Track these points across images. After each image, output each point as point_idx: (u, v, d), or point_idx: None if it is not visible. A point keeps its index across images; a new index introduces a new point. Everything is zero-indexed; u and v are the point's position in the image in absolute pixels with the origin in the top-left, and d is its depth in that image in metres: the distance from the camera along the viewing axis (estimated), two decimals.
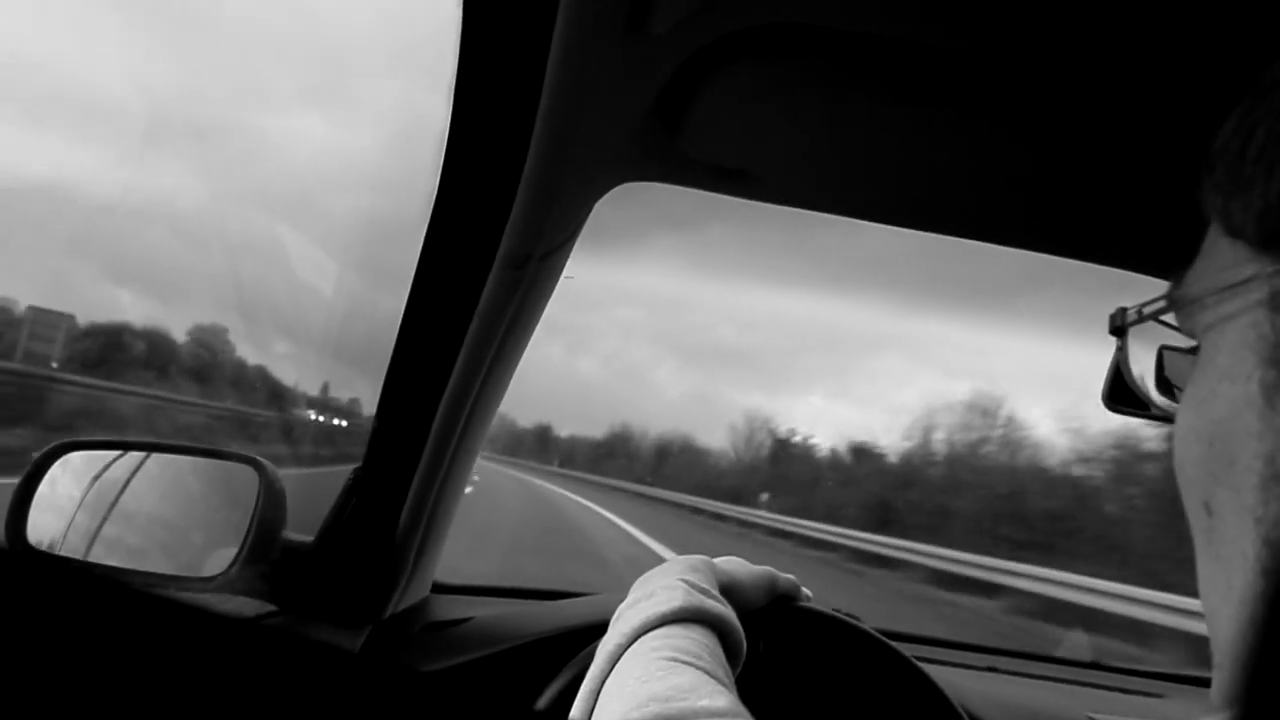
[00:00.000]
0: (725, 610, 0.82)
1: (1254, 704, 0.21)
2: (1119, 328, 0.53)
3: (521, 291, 1.05)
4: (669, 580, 0.83)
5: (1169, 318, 0.49)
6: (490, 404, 1.21)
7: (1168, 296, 0.48)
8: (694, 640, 0.73)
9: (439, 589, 1.48)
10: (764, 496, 28.29)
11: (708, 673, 0.67)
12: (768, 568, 1.02)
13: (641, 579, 0.88)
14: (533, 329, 1.17)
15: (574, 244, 1.09)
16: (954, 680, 1.18)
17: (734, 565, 0.98)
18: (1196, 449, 0.43)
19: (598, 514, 19.02)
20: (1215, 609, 0.41)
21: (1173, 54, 0.70)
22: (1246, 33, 0.65)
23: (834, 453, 38.68)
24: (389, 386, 1.11)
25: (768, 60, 0.79)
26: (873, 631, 1.09)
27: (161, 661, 0.99)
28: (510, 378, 1.22)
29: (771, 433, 45.93)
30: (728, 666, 0.75)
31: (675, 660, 0.68)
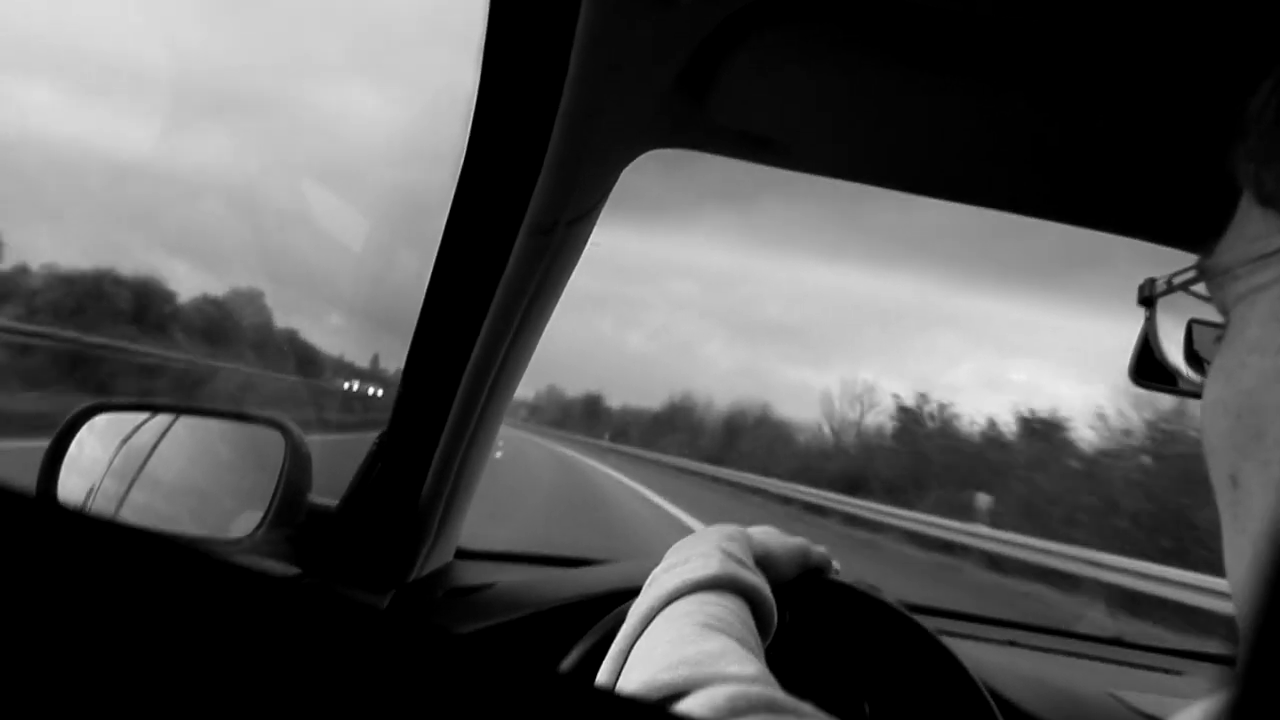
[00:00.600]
0: (759, 580, 0.82)
1: (1254, 678, 0.20)
2: (1147, 298, 0.52)
3: (548, 258, 1.05)
4: (706, 547, 0.84)
5: (1199, 289, 0.48)
6: (516, 370, 1.21)
7: (1198, 266, 0.47)
8: (726, 608, 0.74)
9: (463, 554, 1.49)
10: (983, 499, 17.80)
11: (738, 640, 0.68)
12: (801, 539, 1.03)
13: (678, 545, 0.89)
14: (559, 296, 1.17)
15: (601, 211, 1.08)
16: (975, 654, 1.18)
17: (769, 536, 0.98)
18: (1224, 422, 0.42)
19: (662, 510, 13.49)
20: (1240, 583, 0.41)
21: (1204, 22, 0.69)
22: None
23: (994, 427, 26.80)
24: (415, 352, 1.12)
25: (795, 27, 0.78)
26: (894, 604, 1.09)
27: (189, 618, 1.00)
28: (536, 344, 1.22)
29: (895, 400, 33.35)
30: (758, 636, 0.75)
31: (707, 626, 0.69)
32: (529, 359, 1.24)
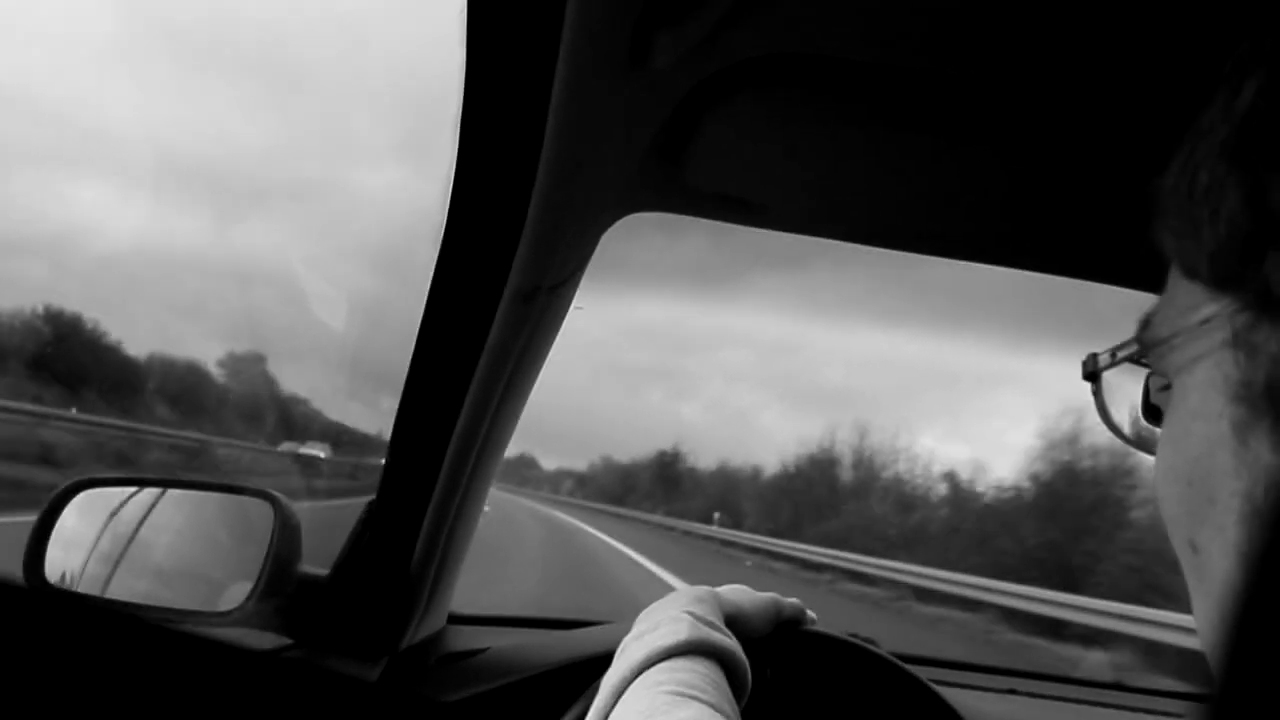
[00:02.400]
0: (730, 642, 0.81)
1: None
2: (1092, 373, 0.53)
3: (531, 324, 1.06)
4: (674, 612, 0.83)
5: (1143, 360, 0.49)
6: (503, 435, 1.22)
7: (1137, 339, 0.48)
8: (698, 673, 0.73)
9: (455, 620, 1.48)
10: None
11: (712, 706, 0.67)
12: (772, 594, 1.02)
13: (646, 611, 0.88)
14: (543, 360, 1.18)
15: (582, 275, 1.10)
16: (972, 704, 1.17)
17: (738, 594, 0.97)
18: (1176, 488, 0.43)
19: None
20: (1211, 644, 0.42)
21: (1173, 77, 0.70)
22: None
23: None
24: (402, 419, 1.12)
25: (768, 91, 0.80)
26: (887, 655, 1.08)
27: (178, 696, 0.99)
28: (522, 409, 1.22)
29: None
30: (733, 699, 0.75)
31: (679, 694, 0.69)
32: (516, 423, 1.24)
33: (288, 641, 1.22)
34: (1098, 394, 0.53)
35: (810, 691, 1.05)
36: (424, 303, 1.01)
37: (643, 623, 0.85)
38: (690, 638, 0.78)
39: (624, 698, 0.73)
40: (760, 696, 0.83)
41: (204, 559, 1.34)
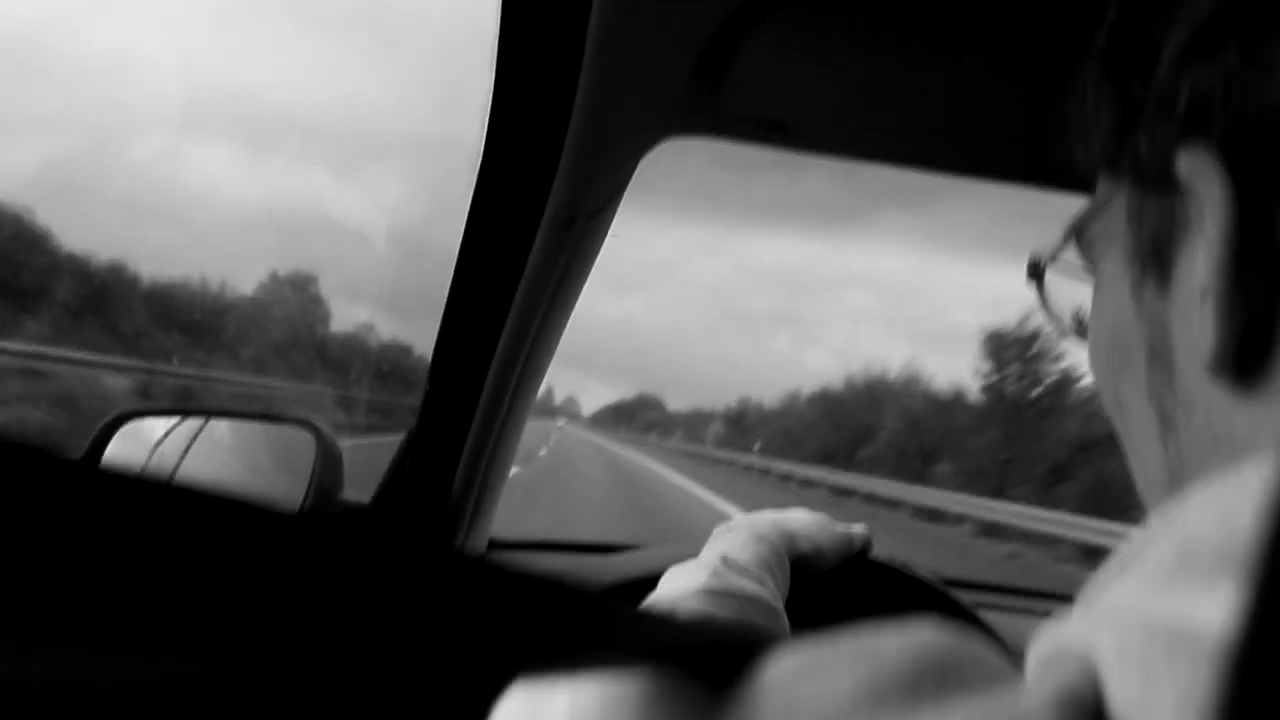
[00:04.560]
0: (759, 590, 0.79)
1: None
2: (1036, 273, 0.57)
3: (569, 251, 1.05)
4: (708, 556, 0.80)
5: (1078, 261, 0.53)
6: (541, 362, 1.22)
7: (1066, 232, 0.52)
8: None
9: (495, 545, 1.50)
10: None
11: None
12: (848, 530, 0.96)
13: (670, 570, 0.82)
14: (581, 287, 1.17)
15: (620, 201, 1.09)
16: (1013, 628, 1.17)
17: (813, 528, 0.92)
18: (1102, 356, 0.48)
19: None
20: (1146, 493, 0.46)
21: None
22: None
23: None
24: (441, 347, 1.12)
25: (808, 12, 0.78)
26: (929, 578, 1.09)
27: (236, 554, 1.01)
28: (560, 336, 1.22)
29: None
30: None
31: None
32: (554, 350, 1.24)
33: None
34: (1041, 291, 0.57)
35: (861, 618, 1.05)
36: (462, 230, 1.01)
37: (665, 579, 0.80)
38: (709, 587, 0.75)
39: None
40: (817, 623, 0.82)
41: (247, 488, 1.36)
